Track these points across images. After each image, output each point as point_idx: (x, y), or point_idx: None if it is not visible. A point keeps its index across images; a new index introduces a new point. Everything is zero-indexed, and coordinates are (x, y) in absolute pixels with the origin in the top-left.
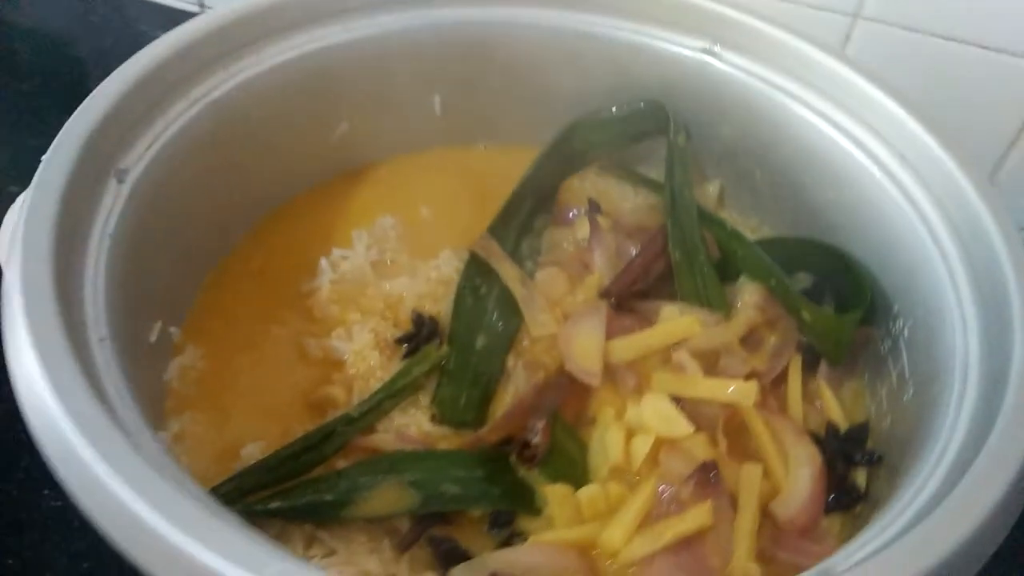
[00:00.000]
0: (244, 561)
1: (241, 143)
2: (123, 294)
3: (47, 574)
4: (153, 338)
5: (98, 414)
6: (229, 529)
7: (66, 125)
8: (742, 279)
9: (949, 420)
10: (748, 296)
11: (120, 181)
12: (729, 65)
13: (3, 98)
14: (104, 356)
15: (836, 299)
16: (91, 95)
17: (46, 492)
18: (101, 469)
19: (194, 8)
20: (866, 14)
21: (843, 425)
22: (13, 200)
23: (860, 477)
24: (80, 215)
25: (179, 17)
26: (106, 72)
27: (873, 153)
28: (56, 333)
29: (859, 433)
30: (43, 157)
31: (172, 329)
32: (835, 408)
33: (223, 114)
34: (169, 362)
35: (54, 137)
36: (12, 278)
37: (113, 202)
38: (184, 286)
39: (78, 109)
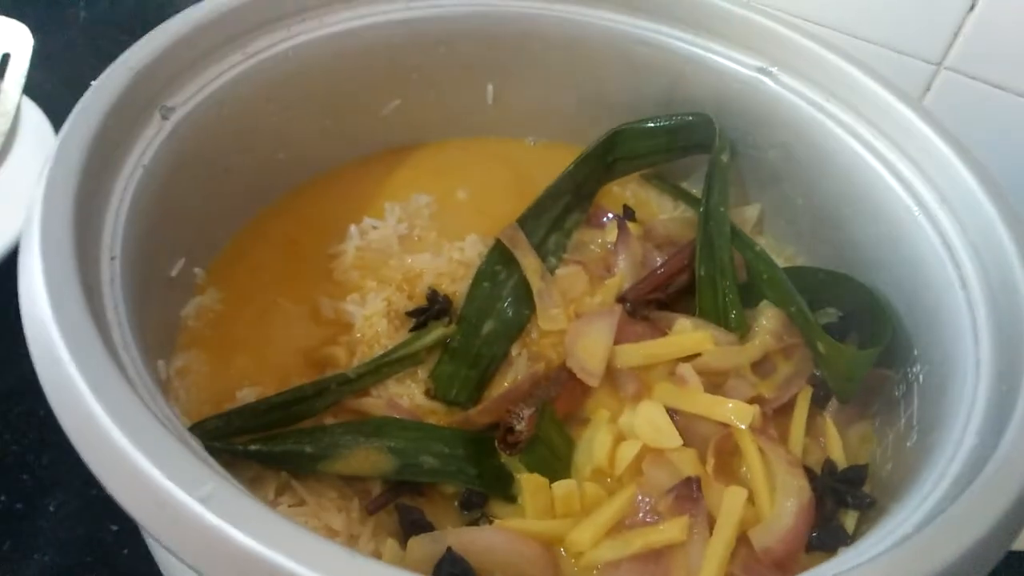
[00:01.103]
0: (180, 476)
1: (292, 104)
2: (148, 224)
3: (57, 492)
4: (174, 272)
5: (84, 318)
6: (176, 446)
7: (120, 56)
8: (763, 303)
9: (940, 468)
10: (766, 321)
11: (164, 118)
12: (784, 87)
13: (105, 41)
14: (111, 273)
15: (861, 338)
16: (149, 33)
17: None
18: (71, 365)
19: None
20: (950, 64)
21: (842, 464)
22: None
23: (850, 520)
24: (117, 141)
25: None
26: None
27: (915, 190)
28: (66, 240)
29: (856, 474)
30: (92, 82)
31: (197, 270)
32: (837, 446)
33: (277, 73)
34: (189, 300)
35: None
36: (39, 188)
37: (154, 136)
38: (216, 231)
39: (135, 43)
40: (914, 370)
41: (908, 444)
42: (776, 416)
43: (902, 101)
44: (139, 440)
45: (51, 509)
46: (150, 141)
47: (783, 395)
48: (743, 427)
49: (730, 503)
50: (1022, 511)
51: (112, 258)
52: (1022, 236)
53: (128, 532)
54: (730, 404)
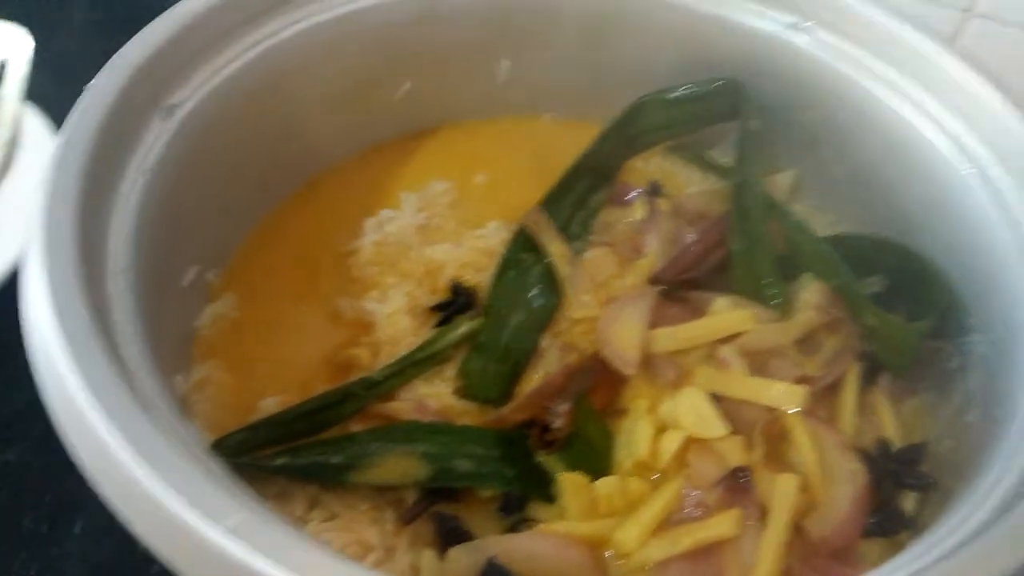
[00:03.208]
0: (202, 505)
1: (299, 94)
2: (156, 232)
3: (81, 513)
4: (186, 281)
5: (92, 340)
6: (195, 473)
7: (115, 56)
8: (805, 276)
9: (1010, 446)
10: (809, 295)
11: (166, 116)
12: (817, 44)
13: (108, 41)
14: (118, 287)
15: (910, 308)
16: (144, 29)
17: None
18: (80, 391)
19: None
20: (980, 10)
21: (898, 443)
22: None
23: (909, 502)
24: (118, 144)
25: None
26: None
27: (964, 147)
28: (69, 256)
29: (913, 454)
30: (88, 84)
31: (211, 276)
32: (891, 424)
33: (281, 62)
34: (204, 308)
35: None
36: (39, 200)
37: (155, 138)
38: (228, 234)
39: (129, 42)
40: (970, 340)
41: (969, 419)
42: (824, 395)
43: (946, 51)
44: (157, 469)
45: (76, 531)
46: (153, 142)
47: (831, 373)
48: (792, 411)
49: (782, 492)
50: None
51: (120, 271)
52: None
53: None
54: (777, 387)
